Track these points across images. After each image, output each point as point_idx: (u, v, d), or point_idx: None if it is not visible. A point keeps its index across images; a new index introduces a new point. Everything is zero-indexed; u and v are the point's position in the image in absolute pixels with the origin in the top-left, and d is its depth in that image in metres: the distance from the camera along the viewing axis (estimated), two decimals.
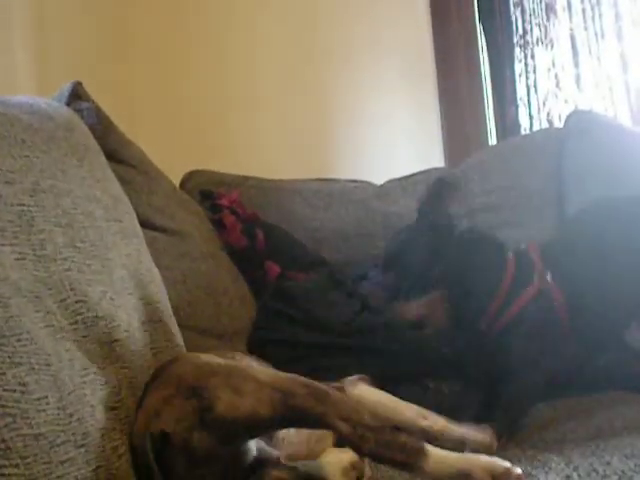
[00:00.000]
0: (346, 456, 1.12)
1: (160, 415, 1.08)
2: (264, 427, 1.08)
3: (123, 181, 1.62)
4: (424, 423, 1.30)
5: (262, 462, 1.09)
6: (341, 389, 1.29)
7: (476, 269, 1.59)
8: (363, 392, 1.32)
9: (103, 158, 1.53)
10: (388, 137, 3.43)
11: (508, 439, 1.40)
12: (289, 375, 1.15)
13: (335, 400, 1.07)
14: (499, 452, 1.27)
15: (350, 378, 1.40)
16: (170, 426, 1.06)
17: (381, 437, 1.00)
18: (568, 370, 1.59)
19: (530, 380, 1.51)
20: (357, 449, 1.01)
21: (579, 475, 0.98)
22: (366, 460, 1.15)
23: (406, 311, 1.61)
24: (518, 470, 0.97)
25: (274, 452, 1.12)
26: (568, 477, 0.97)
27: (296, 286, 2.10)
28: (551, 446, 1.31)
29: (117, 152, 1.86)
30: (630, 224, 1.65)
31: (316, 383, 1.11)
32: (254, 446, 1.10)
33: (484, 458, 1.00)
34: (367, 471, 1.11)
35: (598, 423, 1.48)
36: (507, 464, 0.97)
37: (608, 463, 1.02)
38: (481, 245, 1.65)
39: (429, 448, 1.00)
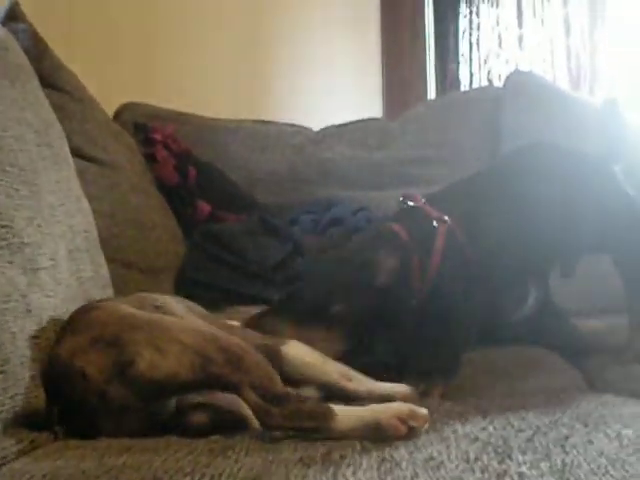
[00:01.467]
0: None
1: (82, 355, 1.07)
2: (182, 389, 1.08)
3: (56, 107, 1.58)
4: (349, 385, 1.31)
5: (181, 408, 1.10)
6: (275, 348, 1.29)
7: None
8: (294, 352, 1.32)
9: (36, 81, 1.49)
10: (328, 84, 3.41)
11: (445, 388, 1.44)
12: (212, 335, 1.14)
13: (249, 366, 1.07)
14: (417, 403, 1.28)
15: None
16: (90, 371, 1.05)
17: (287, 408, 1.01)
18: (486, 318, 1.60)
19: (460, 329, 1.52)
20: (263, 423, 1.02)
21: (495, 428, 0.99)
22: None
23: None
24: (423, 410, 0.99)
25: (195, 398, 1.12)
26: (484, 428, 0.99)
27: (227, 228, 2.08)
28: (468, 399, 1.34)
29: (51, 77, 1.81)
30: (547, 174, 1.65)
31: (234, 346, 1.11)
32: (173, 403, 1.10)
33: (389, 406, 1.01)
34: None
35: (514, 381, 1.51)
36: (411, 405, 0.99)
37: (523, 418, 1.04)
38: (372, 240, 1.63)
39: (335, 408, 1.01)
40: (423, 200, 1.61)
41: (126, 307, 1.19)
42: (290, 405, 1.01)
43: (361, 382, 1.33)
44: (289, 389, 1.09)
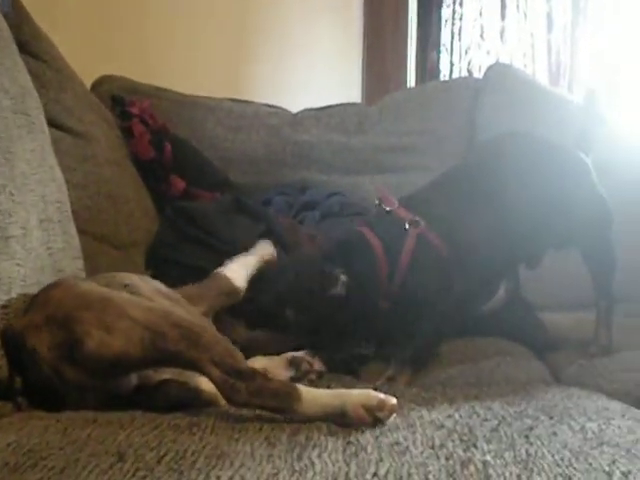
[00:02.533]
0: None
1: (35, 333, 1.07)
2: (134, 366, 1.07)
3: (33, 75, 1.57)
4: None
5: (143, 386, 1.09)
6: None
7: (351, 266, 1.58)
8: None
9: (14, 47, 1.47)
10: (308, 66, 3.40)
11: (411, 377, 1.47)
12: (165, 311, 1.13)
13: (208, 342, 1.05)
14: (384, 389, 1.29)
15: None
16: (41, 350, 1.04)
17: (252, 384, 1.00)
18: (456, 312, 1.61)
19: (434, 320, 1.54)
20: (228, 399, 1.01)
21: (460, 415, 1.00)
22: None
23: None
24: (393, 400, 0.98)
25: (157, 375, 1.11)
26: (450, 416, 1.00)
27: (200, 206, 2.07)
28: (435, 387, 1.35)
29: (30, 44, 1.79)
30: (522, 161, 1.66)
31: (190, 322, 1.10)
32: (134, 378, 1.09)
33: (357, 392, 1.01)
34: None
35: (481, 371, 1.53)
36: (381, 395, 0.98)
37: (489, 408, 1.05)
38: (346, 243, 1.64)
39: (301, 389, 1.00)
40: (397, 204, 1.62)
41: (85, 284, 1.18)
42: (256, 382, 1.00)
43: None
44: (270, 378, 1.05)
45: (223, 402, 1.04)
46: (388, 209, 1.61)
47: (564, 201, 1.62)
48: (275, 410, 1.00)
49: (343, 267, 1.53)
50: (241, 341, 1.32)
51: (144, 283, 1.31)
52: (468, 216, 1.59)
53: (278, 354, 1.42)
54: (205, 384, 1.08)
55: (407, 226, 1.56)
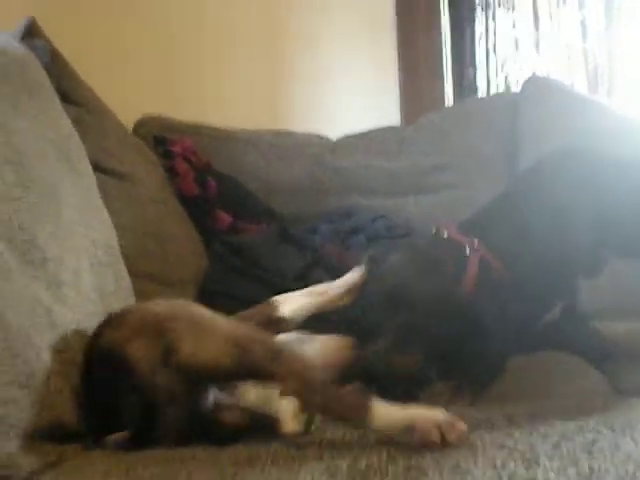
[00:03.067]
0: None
1: (127, 344, 1.09)
2: (222, 377, 1.10)
3: (75, 122, 1.59)
4: None
5: (217, 406, 1.11)
6: None
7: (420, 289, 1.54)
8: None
9: (56, 97, 1.50)
10: (345, 92, 3.41)
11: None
12: (248, 329, 1.18)
13: (287, 357, 1.08)
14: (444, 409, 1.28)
15: None
16: (136, 358, 1.06)
17: (327, 394, 1.02)
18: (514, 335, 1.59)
19: (493, 349, 1.51)
20: (303, 402, 1.03)
21: (521, 434, 0.99)
22: None
23: None
24: (463, 425, 0.98)
25: (231, 399, 1.13)
26: (510, 435, 0.98)
27: (247, 239, 2.09)
28: (493, 406, 1.33)
29: (70, 92, 1.82)
30: (579, 183, 1.64)
31: (272, 340, 1.15)
32: (211, 394, 1.11)
33: (429, 411, 1.01)
34: (317, 417, 1.12)
35: (538, 386, 1.51)
36: (452, 417, 0.98)
37: (549, 424, 1.03)
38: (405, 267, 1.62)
39: (374, 403, 1.00)
40: (454, 230, 1.60)
41: (157, 306, 1.21)
42: (331, 392, 1.03)
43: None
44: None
45: (288, 428, 1.05)
46: (446, 235, 1.60)
47: (623, 213, 1.60)
48: (347, 420, 1.02)
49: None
50: None
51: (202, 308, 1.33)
52: (527, 239, 1.58)
53: None
54: (274, 409, 1.10)
55: (468, 251, 1.54)
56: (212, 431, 1.08)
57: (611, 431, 0.97)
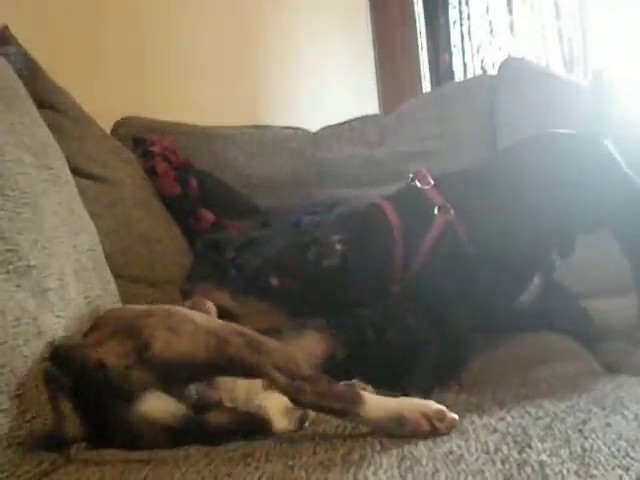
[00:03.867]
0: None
1: (100, 347, 1.08)
2: (199, 371, 1.09)
3: (52, 128, 1.58)
4: None
5: (201, 405, 1.10)
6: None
7: (364, 241, 1.51)
8: None
9: (32, 103, 1.49)
10: (322, 84, 3.41)
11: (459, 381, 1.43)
12: (225, 323, 1.17)
13: (270, 349, 1.08)
14: (433, 397, 1.28)
15: None
16: (110, 360, 1.06)
17: (317, 387, 1.01)
18: (484, 308, 1.59)
19: (455, 319, 1.50)
20: (294, 400, 1.02)
21: (512, 417, 0.99)
22: None
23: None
24: (453, 415, 0.98)
25: (214, 394, 1.12)
26: (502, 419, 0.99)
27: (228, 237, 2.09)
28: (484, 391, 1.33)
29: (46, 98, 1.81)
30: (551, 161, 1.65)
31: (252, 332, 1.12)
32: (193, 391, 1.10)
33: (419, 401, 1.01)
34: (311, 413, 1.12)
35: (529, 368, 1.51)
36: (442, 407, 0.99)
37: (540, 406, 1.04)
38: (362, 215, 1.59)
39: (365, 395, 1.01)
40: (432, 182, 1.58)
41: (135, 306, 1.22)
42: (321, 385, 1.02)
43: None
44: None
45: (279, 426, 1.05)
46: (419, 186, 1.57)
47: (590, 189, 1.60)
48: (339, 413, 1.01)
49: (352, 239, 1.48)
50: (225, 310, 1.32)
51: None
52: (497, 212, 1.57)
53: None
54: (262, 408, 1.09)
55: (436, 211, 1.52)
56: (199, 434, 1.07)
57: (602, 410, 0.98)
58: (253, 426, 1.09)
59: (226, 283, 1.50)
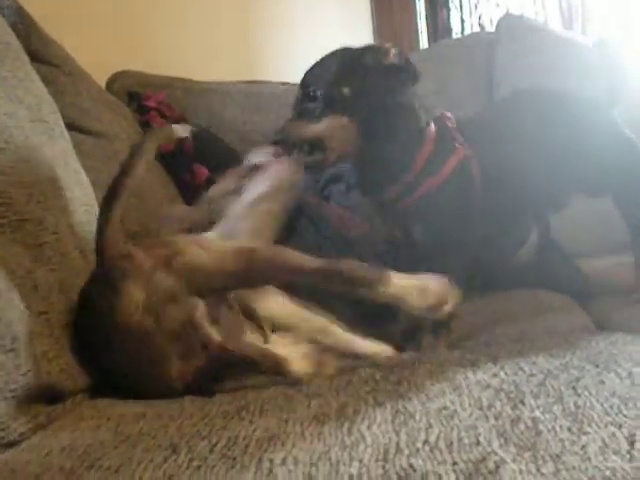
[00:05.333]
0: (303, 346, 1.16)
1: (128, 252, 1.12)
2: (225, 283, 1.12)
3: (47, 82, 1.57)
4: (327, 341, 1.31)
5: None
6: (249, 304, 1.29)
7: (390, 135, 1.51)
8: (267, 306, 1.32)
9: (25, 57, 1.47)
10: (317, 38, 3.38)
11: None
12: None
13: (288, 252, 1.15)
14: (428, 353, 1.30)
15: None
16: (138, 255, 1.10)
17: (347, 263, 1.12)
18: (486, 255, 1.60)
19: (454, 259, 1.51)
20: (327, 284, 1.10)
21: (506, 373, 1.00)
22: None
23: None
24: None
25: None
26: (495, 375, 0.99)
27: None
28: (478, 348, 1.35)
29: (40, 52, 1.79)
30: (549, 114, 1.64)
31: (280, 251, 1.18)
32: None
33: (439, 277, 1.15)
34: (330, 362, 1.13)
35: (523, 325, 1.52)
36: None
37: (534, 363, 1.05)
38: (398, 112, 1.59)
39: (390, 272, 1.12)
40: (454, 125, 1.59)
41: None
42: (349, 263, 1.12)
43: (340, 339, 1.32)
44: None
45: (296, 368, 1.07)
46: (447, 124, 1.58)
47: (589, 150, 1.60)
48: (365, 285, 1.12)
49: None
50: None
51: None
52: (504, 154, 1.57)
53: None
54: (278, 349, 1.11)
55: (457, 145, 1.53)
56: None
57: (595, 367, 0.98)
58: (270, 366, 1.09)
59: None
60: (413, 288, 1.12)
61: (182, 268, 1.08)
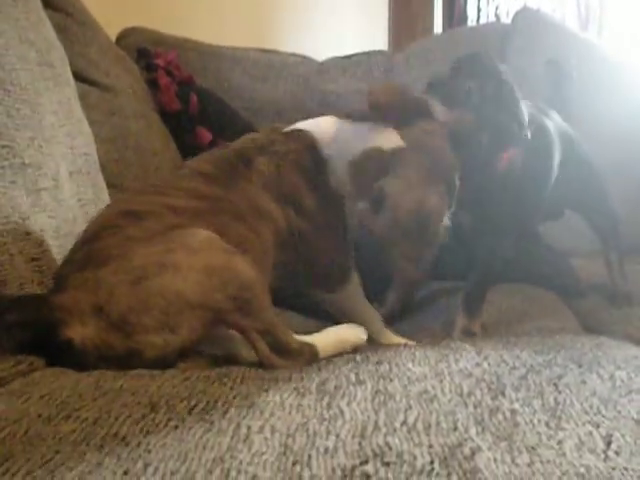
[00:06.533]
0: None
1: (77, 322, 1.01)
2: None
3: (58, 29, 1.56)
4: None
5: None
6: None
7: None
8: None
9: (39, 1, 1.46)
10: (334, 15, 3.36)
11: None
12: (222, 278, 1.06)
13: (257, 310, 1.08)
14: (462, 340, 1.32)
15: None
16: (80, 343, 1.01)
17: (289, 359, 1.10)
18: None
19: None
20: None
21: (489, 364, 1.00)
22: None
23: None
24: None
25: None
26: (478, 365, 0.99)
27: None
28: (462, 339, 1.35)
29: None
30: None
31: (244, 288, 1.07)
32: None
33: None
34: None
35: (510, 320, 1.53)
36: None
37: (517, 357, 1.05)
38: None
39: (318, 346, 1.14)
40: None
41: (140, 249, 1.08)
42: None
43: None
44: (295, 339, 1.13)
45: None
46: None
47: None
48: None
49: None
50: None
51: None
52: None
53: None
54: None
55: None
56: None
57: (578, 367, 0.98)
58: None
59: None
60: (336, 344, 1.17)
61: (145, 362, 1.02)
